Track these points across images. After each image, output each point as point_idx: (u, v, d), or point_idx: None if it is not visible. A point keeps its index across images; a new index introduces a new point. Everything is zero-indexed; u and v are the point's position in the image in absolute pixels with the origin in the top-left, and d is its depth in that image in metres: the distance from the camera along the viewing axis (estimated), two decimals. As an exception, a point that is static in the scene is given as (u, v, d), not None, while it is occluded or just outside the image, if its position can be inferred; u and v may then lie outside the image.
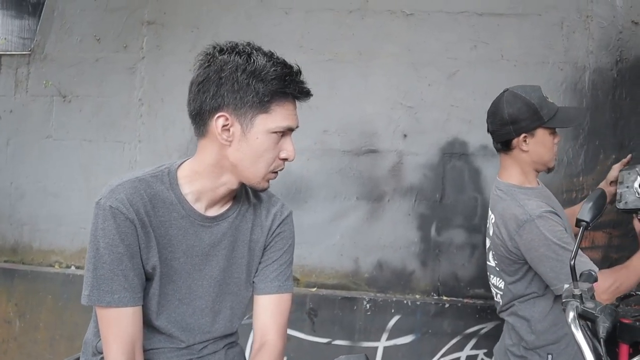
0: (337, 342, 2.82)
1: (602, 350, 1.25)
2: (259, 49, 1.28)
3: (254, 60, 1.24)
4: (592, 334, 1.31)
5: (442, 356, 2.74)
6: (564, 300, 1.37)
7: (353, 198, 2.90)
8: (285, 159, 1.33)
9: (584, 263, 1.74)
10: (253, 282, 1.44)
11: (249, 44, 1.29)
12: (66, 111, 3.13)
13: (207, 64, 1.26)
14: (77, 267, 3.12)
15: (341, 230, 2.91)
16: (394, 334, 2.77)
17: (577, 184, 2.84)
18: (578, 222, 1.46)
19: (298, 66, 1.31)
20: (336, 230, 2.92)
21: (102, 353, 1.33)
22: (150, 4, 3.06)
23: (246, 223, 1.41)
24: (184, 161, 1.38)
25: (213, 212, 1.36)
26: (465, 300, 2.84)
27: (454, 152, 2.89)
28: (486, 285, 2.87)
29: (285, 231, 1.47)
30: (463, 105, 2.88)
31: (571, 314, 1.31)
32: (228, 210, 1.38)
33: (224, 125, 1.26)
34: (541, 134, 1.92)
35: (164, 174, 1.33)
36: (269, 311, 1.42)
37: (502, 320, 2.08)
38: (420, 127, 2.91)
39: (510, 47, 2.86)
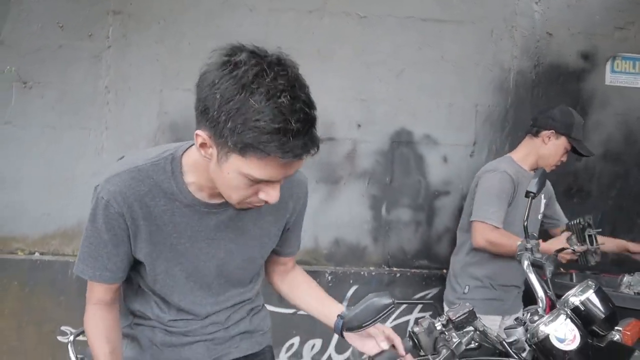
0: (302, 312, 3.11)
1: (548, 287, 1.69)
2: (267, 73, 1.05)
3: (245, 94, 1.03)
4: (539, 276, 1.76)
5: (395, 319, 3.14)
6: (518, 253, 1.83)
7: (313, 182, 3.19)
8: (264, 201, 1.20)
9: (479, 208, 2.54)
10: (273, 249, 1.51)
11: (271, 55, 1.11)
12: (27, 98, 3.12)
13: (205, 68, 1.12)
14: (42, 254, 3.14)
15: (302, 211, 3.20)
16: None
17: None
18: (527, 194, 1.93)
19: (310, 121, 1.08)
20: (297, 211, 3.20)
21: (133, 314, 1.47)
22: (117, -5, 3.14)
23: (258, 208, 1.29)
24: (193, 145, 1.27)
25: (218, 199, 1.29)
26: (413, 270, 3.25)
27: (402, 141, 3.27)
28: (430, 256, 3.32)
29: (305, 202, 1.52)
30: (409, 100, 3.27)
31: (525, 262, 1.77)
32: None
33: (202, 143, 1.14)
34: (562, 142, 2.57)
35: (167, 161, 1.28)
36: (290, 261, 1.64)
37: (444, 287, 2.71)
38: (372, 119, 3.26)
39: (449, 50, 3.28)
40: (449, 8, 3.28)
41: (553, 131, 2.56)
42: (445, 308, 2.59)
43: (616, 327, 1.77)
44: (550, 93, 3.37)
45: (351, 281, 3.15)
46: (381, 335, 1.46)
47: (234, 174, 1.12)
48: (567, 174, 3.38)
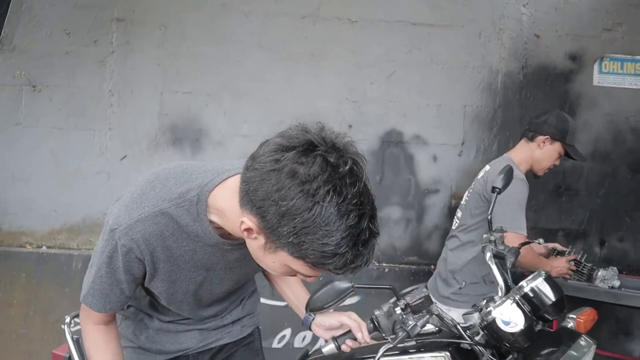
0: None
1: (508, 277, 1.80)
2: (340, 189, 1.00)
3: (314, 214, 0.99)
4: (502, 267, 1.86)
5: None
6: (483, 245, 1.93)
7: (306, 180, 3.32)
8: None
9: (513, 219, 2.43)
10: None
11: (343, 164, 1.01)
12: (36, 100, 3.32)
13: (271, 166, 1.02)
14: (49, 247, 3.32)
15: (295, 208, 3.33)
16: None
17: (492, 168, 3.42)
18: (493, 189, 2.02)
19: (373, 237, 1.06)
20: (291, 208, 3.33)
21: (129, 305, 1.55)
22: (120, 3, 3.30)
23: None
24: (219, 184, 1.23)
25: (240, 239, 1.25)
26: (401, 266, 3.36)
27: (392, 141, 3.39)
28: (419, 252, 3.42)
29: None
30: (399, 101, 3.38)
31: (488, 254, 1.87)
32: None
33: (247, 229, 1.10)
34: (556, 147, 2.64)
35: (192, 204, 1.22)
36: None
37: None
38: (363, 119, 3.38)
39: (438, 53, 3.39)
40: (438, 12, 3.39)
41: (548, 137, 2.62)
42: (438, 303, 2.66)
43: (570, 315, 1.87)
44: (538, 94, 3.45)
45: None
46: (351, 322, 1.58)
47: (278, 264, 1.11)
48: (556, 173, 3.45)
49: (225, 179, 1.23)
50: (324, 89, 3.36)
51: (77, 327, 2.11)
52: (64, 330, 2.08)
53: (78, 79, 3.32)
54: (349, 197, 1.00)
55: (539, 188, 3.38)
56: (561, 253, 2.77)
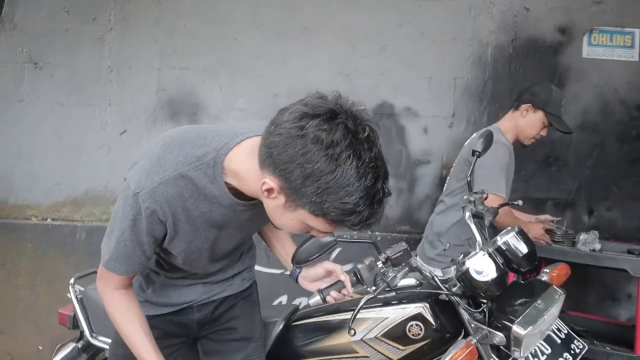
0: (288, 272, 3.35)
1: (486, 234, 1.89)
2: (360, 153, 1.10)
3: (337, 175, 1.09)
4: (480, 225, 1.95)
5: (376, 279, 3.35)
6: (463, 205, 2.03)
7: (300, 153, 3.42)
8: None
9: (493, 182, 2.51)
10: None
11: (362, 131, 1.11)
12: (38, 77, 3.41)
13: (297, 132, 1.11)
14: (53, 219, 3.44)
15: (291, 180, 3.43)
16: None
17: (482, 139, 3.51)
18: (473, 152, 2.10)
19: (385, 197, 1.18)
20: (286, 180, 3.43)
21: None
22: (117, -19, 3.39)
23: None
24: (234, 147, 1.30)
25: (253, 199, 1.36)
26: (394, 234, 3.46)
27: (383, 113, 3.47)
28: (410, 222, 3.52)
29: None
30: (390, 74, 3.46)
31: (467, 213, 1.97)
32: None
33: (269, 189, 1.19)
34: (539, 116, 2.72)
35: (209, 166, 1.29)
36: None
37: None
38: (355, 92, 3.45)
39: (429, 27, 3.46)
40: (428, -14, 3.46)
41: (530, 105, 2.72)
42: (424, 265, 2.78)
43: (545, 270, 1.97)
44: (527, 66, 3.52)
45: (335, 244, 3.36)
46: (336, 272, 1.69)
47: (296, 221, 1.21)
48: (545, 143, 3.53)
49: (239, 142, 1.30)
50: (317, 64, 3.44)
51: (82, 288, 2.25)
52: (69, 290, 2.22)
53: (78, 56, 3.41)
54: (367, 160, 1.10)
55: (528, 158, 3.47)
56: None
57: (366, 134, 1.12)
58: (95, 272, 2.31)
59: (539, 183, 3.57)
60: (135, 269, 1.41)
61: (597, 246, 2.66)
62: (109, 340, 2.00)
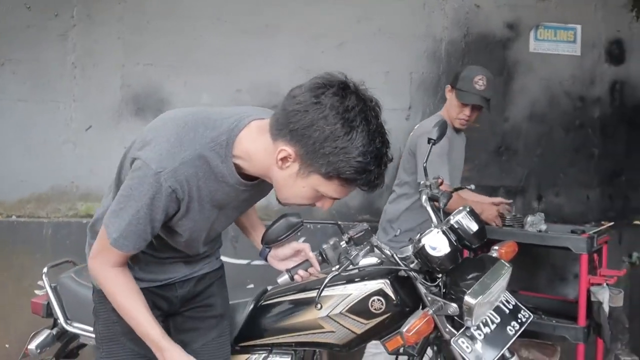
0: (255, 262, 3.45)
1: (441, 216, 2.04)
2: (369, 119, 1.26)
3: (352, 137, 1.23)
4: (435, 208, 2.10)
5: (340, 266, 3.49)
6: (420, 189, 2.18)
7: (264, 146, 3.52)
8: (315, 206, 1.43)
9: (435, 170, 2.61)
10: None
11: (369, 100, 1.30)
12: (0, 74, 3.41)
13: (314, 100, 1.26)
14: (18, 216, 3.44)
15: (255, 172, 3.54)
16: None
17: (437, 130, 3.69)
18: (428, 140, 2.25)
19: (388, 161, 1.32)
20: (251, 173, 3.53)
21: None
22: (78, -23, 3.42)
23: None
24: (244, 128, 1.40)
25: (253, 179, 1.47)
26: (355, 223, 3.56)
27: (344, 107, 3.60)
28: (370, 211, 3.66)
29: None
30: (350, 69, 3.47)
31: (424, 197, 2.12)
32: None
33: (284, 157, 1.30)
34: (454, 95, 2.82)
35: (221, 146, 1.38)
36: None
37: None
38: (317, 87, 3.58)
39: (385, 23, 3.62)
40: (385, -16, 3.61)
41: (449, 85, 2.89)
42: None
43: (494, 247, 2.13)
44: (479, 61, 3.68)
45: (299, 233, 3.47)
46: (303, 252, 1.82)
47: (307, 188, 1.32)
48: (496, 134, 3.75)
49: (248, 123, 1.41)
50: (279, 60, 3.55)
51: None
52: (42, 279, 2.27)
53: (41, 53, 3.41)
54: (375, 126, 1.27)
55: (481, 148, 3.67)
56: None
57: (373, 103, 1.30)
58: (67, 262, 2.40)
59: (491, 171, 3.78)
60: (140, 246, 1.45)
61: (543, 227, 2.86)
62: (84, 326, 2.09)
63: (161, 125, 1.43)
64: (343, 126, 1.23)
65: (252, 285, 3.49)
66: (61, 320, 2.16)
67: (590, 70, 3.87)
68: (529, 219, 2.87)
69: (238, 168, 1.42)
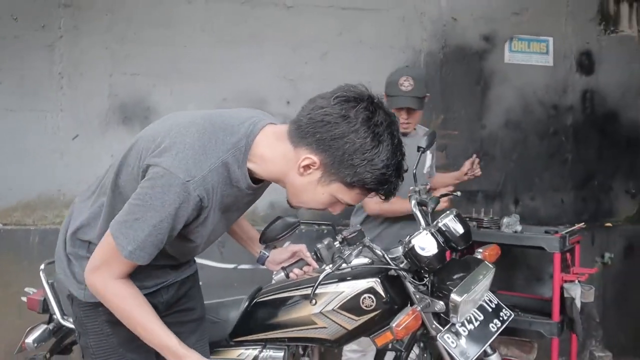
0: (242, 266, 3.53)
1: (429, 219, 2.15)
2: (394, 133, 1.34)
3: (379, 150, 1.31)
4: (424, 212, 2.21)
5: (325, 270, 3.58)
6: (409, 195, 2.28)
7: (250, 153, 3.60)
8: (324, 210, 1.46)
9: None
10: None
11: (392, 115, 1.36)
12: (-13, 84, 3.44)
13: (344, 113, 1.32)
14: (4, 224, 3.45)
15: (241, 180, 3.61)
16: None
17: (417, 138, 3.81)
18: (418, 149, 2.36)
19: (404, 172, 1.40)
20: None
21: None
22: (65, -12, 3.46)
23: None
24: (259, 132, 1.42)
25: (258, 182, 1.48)
26: (339, 227, 3.68)
27: (328, 115, 3.70)
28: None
29: None
30: (332, 79, 3.55)
31: (413, 201, 2.22)
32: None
33: (307, 165, 1.34)
34: (387, 101, 2.75)
35: (240, 152, 1.39)
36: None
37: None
38: (299, 96, 3.67)
39: (367, 35, 3.75)
40: (366, -3, 3.74)
41: (384, 93, 2.84)
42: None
43: (479, 250, 2.24)
44: (456, 71, 3.87)
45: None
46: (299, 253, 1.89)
47: (327, 195, 1.38)
48: (474, 140, 3.89)
49: (262, 128, 1.44)
50: (263, 69, 3.64)
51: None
52: (40, 276, 2.31)
53: (28, 63, 3.44)
54: (397, 140, 1.35)
55: (460, 154, 3.79)
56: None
57: (394, 117, 1.38)
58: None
59: (469, 177, 3.91)
60: (154, 255, 1.40)
61: (519, 228, 3.00)
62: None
63: (179, 131, 1.40)
64: (372, 140, 1.30)
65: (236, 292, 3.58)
66: (58, 315, 2.19)
67: (562, 80, 4.06)
68: (505, 220, 3.00)
69: (250, 172, 1.43)
